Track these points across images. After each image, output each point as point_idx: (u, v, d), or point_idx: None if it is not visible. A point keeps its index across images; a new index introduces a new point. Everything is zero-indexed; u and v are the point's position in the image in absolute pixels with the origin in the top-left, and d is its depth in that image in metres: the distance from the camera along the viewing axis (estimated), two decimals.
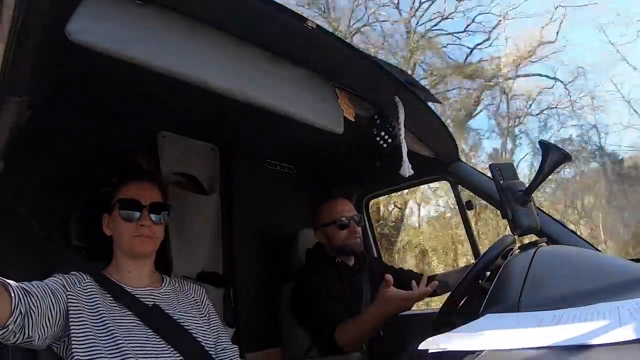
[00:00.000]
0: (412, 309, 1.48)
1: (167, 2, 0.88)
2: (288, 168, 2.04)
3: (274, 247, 1.90)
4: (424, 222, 10.14)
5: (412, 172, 1.31)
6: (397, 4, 10.14)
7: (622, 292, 0.69)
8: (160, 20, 0.88)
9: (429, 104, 1.43)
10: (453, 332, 0.66)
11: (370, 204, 2.31)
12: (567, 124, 10.06)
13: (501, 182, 1.16)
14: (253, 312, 1.76)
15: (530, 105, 10.27)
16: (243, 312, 1.73)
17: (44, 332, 0.90)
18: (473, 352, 0.56)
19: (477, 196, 1.79)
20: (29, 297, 0.87)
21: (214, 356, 1.10)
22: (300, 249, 1.82)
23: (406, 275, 1.72)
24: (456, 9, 10.05)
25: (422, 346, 0.60)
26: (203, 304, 1.20)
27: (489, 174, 1.27)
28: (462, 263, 8.09)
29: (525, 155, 10.45)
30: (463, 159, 1.85)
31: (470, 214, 1.92)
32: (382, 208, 8.91)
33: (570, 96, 9.83)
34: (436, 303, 2.31)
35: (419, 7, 10.13)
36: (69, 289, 0.98)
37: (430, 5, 10.11)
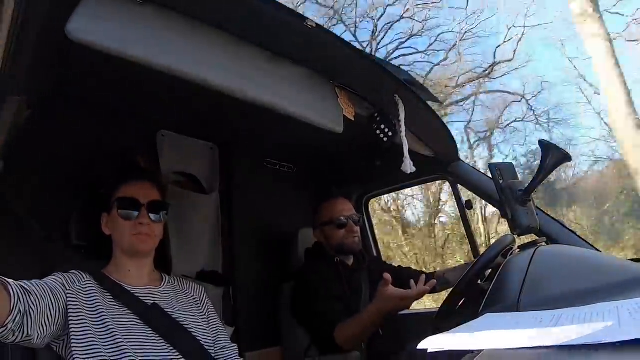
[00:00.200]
0: (411, 308, 1.48)
1: (166, 1, 0.88)
2: (288, 167, 2.04)
3: (273, 246, 1.90)
4: None
5: (413, 168, 1.31)
6: (354, 32, 10.28)
7: (622, 292, 0.69)
8: (159, 19, 0.88)
9: (429, 103, 1.43)
10: (452, 332, 0.66)
11: None
12: (533, 137, 10.16)
13: (501, 181, 1.16)
14: (253, 311, 1.76)
15: (498, 118, 10.42)
16: (242, 311, 1.73)
17: (43, 330, 0.90)
18: (472, 351, 0.56)
19: (477, 196, 1.79)
20: (28, 296, 0.87)
21: (213, 355, 1.10)
22: (300, 248, 1.82)
23: (405, 273, 1.72)
24: (419, 30, 10.17)
25: (421, 345, 0.60)
26: (202, 303, 1.20)
27: (489, 174, 1.27)
28: None
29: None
30: None
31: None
32: None
33: (534, 110, 9.98)
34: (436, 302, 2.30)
35: (378, 32, 10.25)
36: (68, 288, 0.98)
37: (390, 28, 10.25)
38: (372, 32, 10.28)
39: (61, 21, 0.76)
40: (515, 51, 9.91)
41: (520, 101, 10.13)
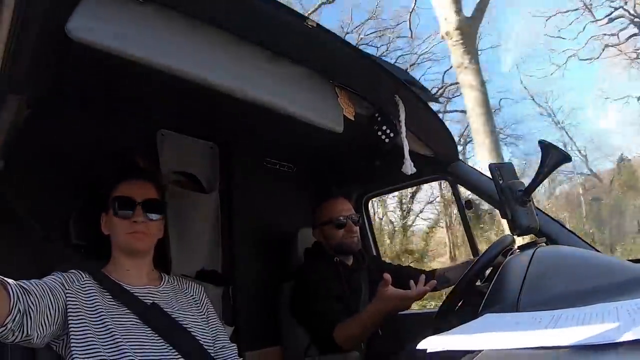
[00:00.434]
0: (411, 307, 1.48)
1: (166, 1, 0.88)
2: (288, 167, 2.04)
3: (273, 245, 1.90)
4: None
5: (414, 170, 1.31)
6: None
7: (621, 293, 0.69)
8: (160, 19, 0.88)
9: (429, 103, 1.43)
10: (452, 332, 0.66)
11: None
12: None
13: (501, 182, 1.16)
14: (252, 311, 1.76)
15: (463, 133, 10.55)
16: (242, 311, 1.73)
17: (42, 330, 0.90)
18: (472, 351, 0.56)
19: (476, 196, 1.79)
20: (28, 295, 0.87)
21: (212, 355, 1.10)
22: (299, 247, 1.82)
23: (405, 272, 1.72)
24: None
25: (420, 345, 0.60)
26: (202, 303, 1.20)
27: (489, 174, 1.27)
28: None
29: None
30: None
31: None
32: None
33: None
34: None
35: None
36: (67, 288, 0.98)
37: None
38: None
39: (61, 20, 0.76)
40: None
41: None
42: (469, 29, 6.40)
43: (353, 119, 1.23)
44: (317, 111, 1.14)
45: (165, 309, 1.08)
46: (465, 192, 1.89)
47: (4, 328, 0.83)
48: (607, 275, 0.81)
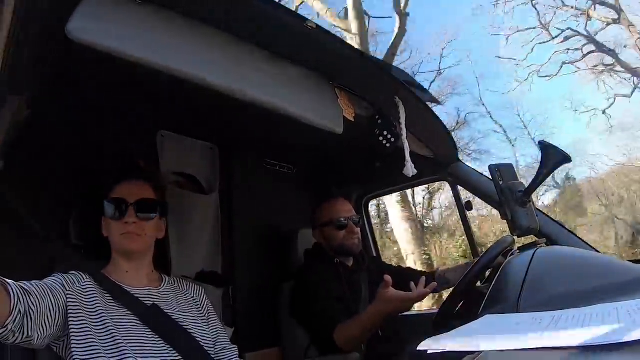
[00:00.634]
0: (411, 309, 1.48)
1: (166, 2, 0.88)
2: (288, 168, 2.04)
3: (273, 246, 1.89)
4: None
5: (415, 171, 1.32)
6: None
7: (621, 293, 0.69)
8: (159, 19, 0.88)
9: (428, 104, 1.43)
10: (452, 333, 0.66)
11: None
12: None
13: (501, 183, 1.16)
14: (252, 312, 1.76)
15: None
16: (242, 312, 1.73)
17: (43, 331, 0.90)
18: (472, 352, 0.56)
19: (476, 197, 1.78)
20: (28, 296, 0.87)
21: (213, 356, 1.10)
22: (299, 248, 1.82)
23: (405, 274, 1.72)
24: None
25: (421, 347, 0.60)
26: (202, 304, 1.20)
27: (489, 175, 1.27)
28: None
29: None
30: None
31: None
32: None
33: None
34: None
35: None
36: (68, 289, 0.98)
37: None
38: None
39: (61, 21, 0.76)
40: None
41: None
42: None
43: (353, 120, 1.24)
44: (317, 112, 1.15)
45: (166, 311, 1.08)
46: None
47: (5, 329, 0.83)
48: (607, 275, 0.81)
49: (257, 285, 1.81)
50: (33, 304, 0.88)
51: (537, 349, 0.53)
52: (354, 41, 7.13)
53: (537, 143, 1.29)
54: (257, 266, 1.84)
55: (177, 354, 1.03)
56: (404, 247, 7.20)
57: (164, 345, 1.03)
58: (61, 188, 1.29)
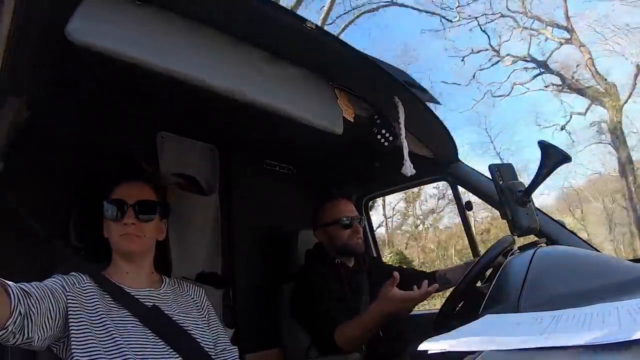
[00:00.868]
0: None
1: (166, 3, 0.88)
2: (287, 168, 2.04)
3: (273, 247, 1.89)
4: None
5: (414, 171, 1.31)
6: None
7: (622, 293, 0.69)
8: (159, 21, 0.88)
9: (428, 104, 1.43)
10: (453, 333, 0.66)
11: None
12: None
13: (500, 182, 1.16)
14: (253, 313, 1.76)
15: None
16: (242, 313, 1.73)
17: (43, 333, 0.90)
18: (473, 352, 0.56)
19: (476, 197, 1.79)
20: (29, 298, 0.87)
21: (213, 357, 1.10)
22: (299, 249, 1.82)
23: (406, 274, 1.71)
24: None
25: (422, 347, 0.60)
26: (202, 305, 1.19)
27: (489, 175, 1.27)
28: None
29: None
30: None
31: None
32: None
33: None
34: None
35: None
36: (68, 290, 0.98)
37: None
38: None
39: (61, 22, 0.76)
40: None
41: None
42: None
43: (353, 120, 1.24)
44: (316, 113, 1.15)
45: (166, 312, 1.08)
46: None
47: (5, 330, 0.83)
48: (607, 275, 0.81)
49: (257, 285, 1.81)
50: (33, 305, 0.88)
51: (537, 348, 0.53)
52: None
53: (537, 143, 1.28)
54: (257, 267, 1.84)
55: (177, 355, 1.03)
56: None
57: (164, 346, 1.02)
58: (61, 189, 1.29)
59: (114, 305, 1.03)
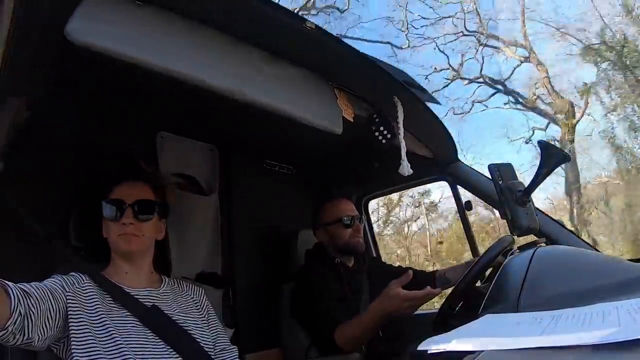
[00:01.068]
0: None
1: (166, 3, 0.88)
2: (287, 168, 2.04)
3: (273, 247, 1.89)
4: None
5: (411, 171, 1.31)
6: None
7: (621, 292, 0.69)
8: (159, 21, 0.88)
9: (428, 104, 1.43)
10: (452, 333, 0.66)
11: None
12: None
13: (500, 182, 1.16)
14: (252, 313, 1.76)
15: None
16: (242, 313, 1.73)
17: (43, 333, 0.90)
18: (472, 352, 0.56)
19: (476, 196, 1.79)
20: (28, 298, 0.87)
21: (213, 357, 1.10)
22: (299, 249, 1.81)
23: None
24: None
25: (421, 347, 0.60)
26: (202, 305, 1.20)
27: (488, 175, 1.27)
28: None
29: None
30: None
31: None
32: None
33: None
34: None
35: None
36: (67, 290, 0.98)
37: None
38: None
39: (61, 22, 0.76)
40: None
41: None
42: None
43: (352, 120, 1.24)
44: (316, 113, 1.15)
45: (166, 312, 1.08)
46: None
47: (5, 331, 0.83)
48: (607, 274, 0.81)
49: (257, 285, 1.81)
50: (33, 305, 0.88)
51: (537, 348, 0.53)
52: None
53: (537, 142, 1.29)
54: (257, 267, 1.84)
55: (177, 355, 1.03)
56: None
57: (164, 346, 1.03)
58: (61, 189, 1.29)
59: (114, 305, 1.03)
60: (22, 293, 0.86)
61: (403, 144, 1.31)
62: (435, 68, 11.35)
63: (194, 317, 1.13)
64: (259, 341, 1.73)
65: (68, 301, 0.96)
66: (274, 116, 1.06)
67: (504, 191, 1.16)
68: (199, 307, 1.18)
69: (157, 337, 1.03)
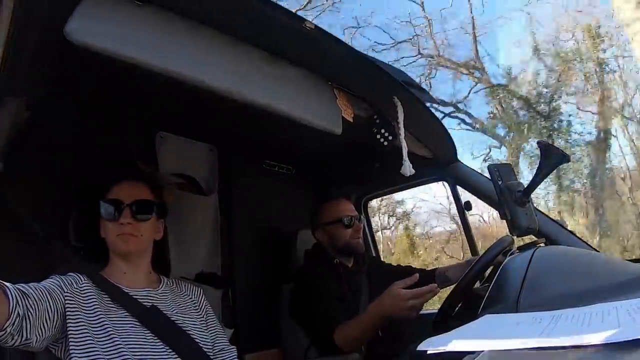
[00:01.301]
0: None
1: (165, 3, 0.88)
2: (287, 169, 2.04)
3: (272, 247, 1.89)
4: None
5: (413, 171, 1.31)
6: None
7: (621, 293, 0.69)
8: (158, 21, 0.88)
9: (427, 104, 1.43)
10: (452, 333, 0.66)
11: None
12: None
13: (500, 182, 1.17)
14: (252, 313, 1.76)
15: None
16: (242, 313, 1.73)
17: (42, 333, 0.90)
18: (472, 352, 0.56)
19: (476, 197, 1.79)
20: (27, 299, 0.87)
21: (211, 357, 1.10)
22: (299, 249, 1.81)
23: (406, 272, 1.71)
24: None
25: (421, 347, 0.60)
26: (201, 305, 1.19)
27: (488, 175, 1.27)
28: None
29: None
30: None
31: None
32: None
33: None
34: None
35: None
36: (66, 290, 0.98)
37: None
38: None
39: (60, 22, 0.76)
40: None
41: None
42: None
43: (352, 120, 1.24)
44: (315, 113, 1.15)
45: (165, 312, 1.08)
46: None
47: (4, 332, 0.83)
48: (606, 275, 0.81)
49: (257, 286, 1.81)
50: (31, 306, 0.87)
51: (536, 348, 0.53)
52: None
53: (536, 143, 1.30)
54: (256, 267, 1.84)
55: (176, 356, 1.03)
56: None
57: (162, 346, 1.02)
58: (60, 189, 1.29)
59: (112, 306, 1.02)
60: (20, 294, 0.86)
61: (404, 144, 1.31)
62: None
63: (192, 318, 1.13)
64: (258, 341, 1.73)
65: (66, 301, 0.96)
66: (273, 116, 1.06)
67: (504, 191, 1.16)
68: (197, 307, 1.18)
69: (155, 338, 1.02)
